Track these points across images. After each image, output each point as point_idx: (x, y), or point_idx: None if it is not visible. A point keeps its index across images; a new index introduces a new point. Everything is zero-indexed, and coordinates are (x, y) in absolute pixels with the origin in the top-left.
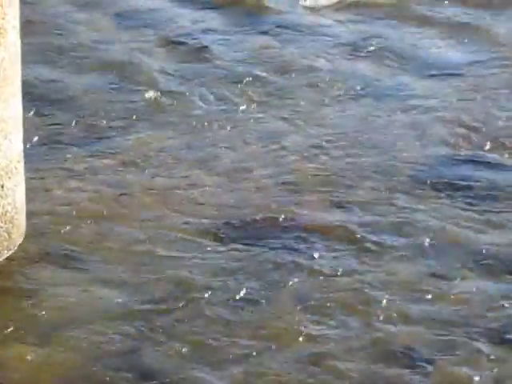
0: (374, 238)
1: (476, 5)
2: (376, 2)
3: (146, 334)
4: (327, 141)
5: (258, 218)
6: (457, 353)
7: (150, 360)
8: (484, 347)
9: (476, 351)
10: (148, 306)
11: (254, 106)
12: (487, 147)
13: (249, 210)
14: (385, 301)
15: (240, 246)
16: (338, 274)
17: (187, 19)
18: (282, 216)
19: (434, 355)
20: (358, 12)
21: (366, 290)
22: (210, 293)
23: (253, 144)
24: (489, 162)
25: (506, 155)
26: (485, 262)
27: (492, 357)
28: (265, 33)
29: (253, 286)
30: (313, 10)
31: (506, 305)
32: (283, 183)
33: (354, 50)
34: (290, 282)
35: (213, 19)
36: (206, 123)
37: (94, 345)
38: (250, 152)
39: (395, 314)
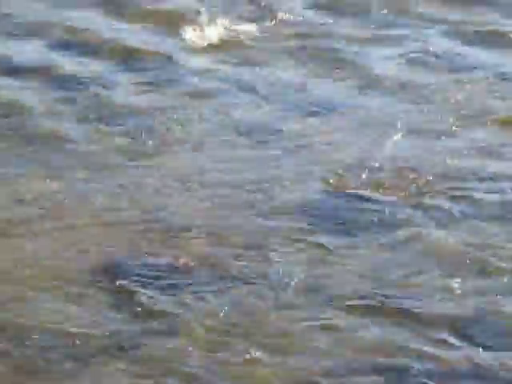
0: (254, 280)
1: (360, 41)
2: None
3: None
4: (201, 184)
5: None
6: None
7: None
8: None
9: None
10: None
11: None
12: (366, 184)
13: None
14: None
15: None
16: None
17: (71, 64)
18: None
19: None
20: (240, 51)
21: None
22: (87, 338)
23: (128, 187)
24: (367, 199)
25: (381, 191)
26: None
27: None
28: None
29: (135, 330)
30: (195, 49)
31: None
32: (158, 224)
33: (235, 88)
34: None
35: (96, 64)
36: (85, 166)
37: None
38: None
39: None
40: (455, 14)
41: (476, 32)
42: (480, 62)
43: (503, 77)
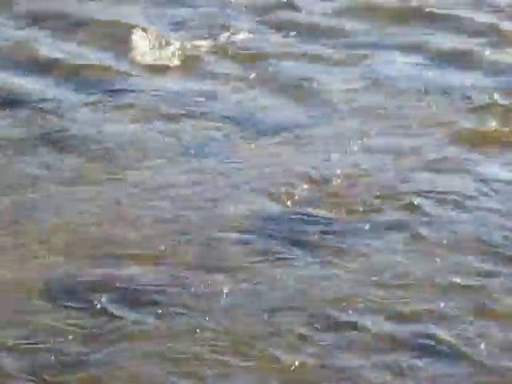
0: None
1: (309, 61)
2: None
3: None
4: (140, 198)
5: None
6: None
7: None
8: None
9: None
10: None
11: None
12: (315, 201)
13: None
14: None
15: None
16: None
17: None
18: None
19: None
20: (193, 70)
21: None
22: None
23: (88, 202)
24: (315, 215)
25: (330, 207)
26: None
27: None
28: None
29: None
30: (146, 66)
31: None
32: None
33: (182, 109)
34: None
35: (45, 83)
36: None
37: None
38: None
39: None
40: (416, 34)
41: (438, 52)
42: (439, 81)
43: (461, 95)
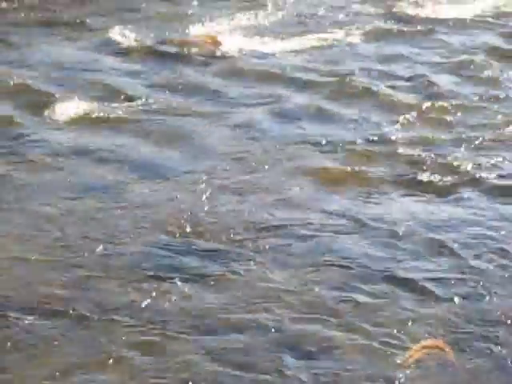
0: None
1: (188, 116)
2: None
3: None
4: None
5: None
6: None
7: None
8: None
9: None
10: None
11: None
12: (197, 234)
13: None
14: None
15: None
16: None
17: None
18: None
19: None
20: (87, 128)
21: None
22: None
23: None
24: (199, 249)
25: (212, 241)
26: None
27: None
28: None
29: None
30: (56, 123)
31: None
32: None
33: (85, 155)
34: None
35: None
36: None
37: None
38: None
39: None
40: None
41: (291, 106)
42: (292, 129)
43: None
